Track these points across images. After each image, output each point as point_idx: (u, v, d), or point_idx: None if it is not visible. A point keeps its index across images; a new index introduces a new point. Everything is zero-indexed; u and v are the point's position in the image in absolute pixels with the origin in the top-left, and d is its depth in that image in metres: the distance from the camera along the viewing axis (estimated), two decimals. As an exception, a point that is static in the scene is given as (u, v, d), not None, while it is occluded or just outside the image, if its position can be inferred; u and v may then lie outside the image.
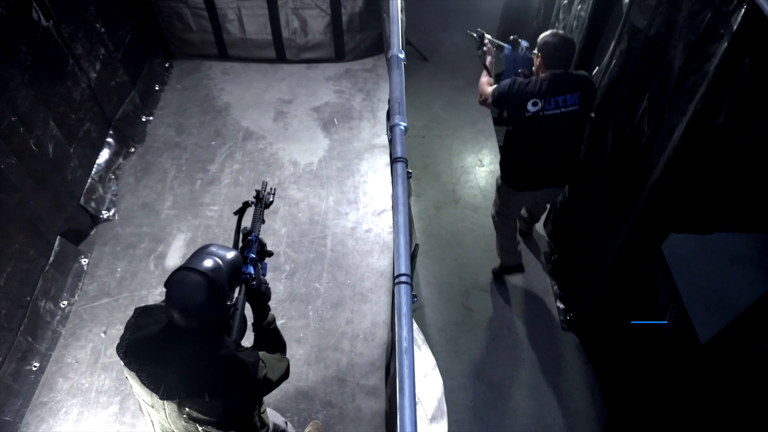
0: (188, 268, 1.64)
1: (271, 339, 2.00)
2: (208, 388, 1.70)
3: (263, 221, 2.18)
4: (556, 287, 3.93)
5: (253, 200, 2.20)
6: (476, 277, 4.02)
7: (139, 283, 3.40)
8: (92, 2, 3.82)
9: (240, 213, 2.16)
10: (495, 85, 3.11)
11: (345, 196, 3.95)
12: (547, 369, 3.54)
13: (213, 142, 4.29)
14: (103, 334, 3.16)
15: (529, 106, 2.93)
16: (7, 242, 2.92)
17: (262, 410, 2.03)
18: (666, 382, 2.65)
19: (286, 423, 2.46)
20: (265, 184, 2.26)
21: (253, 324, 1.99)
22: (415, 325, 1.37)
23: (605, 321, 3.35)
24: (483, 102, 3.23)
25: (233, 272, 1.75)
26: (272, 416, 2.29)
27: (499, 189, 3.52)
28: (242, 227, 2.07)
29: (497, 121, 4.97)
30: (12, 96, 3.02)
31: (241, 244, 2.03)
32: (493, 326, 3.75)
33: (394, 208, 1.35)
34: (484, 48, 3.34)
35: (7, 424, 2.80)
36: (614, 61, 3.03)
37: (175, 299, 1.61)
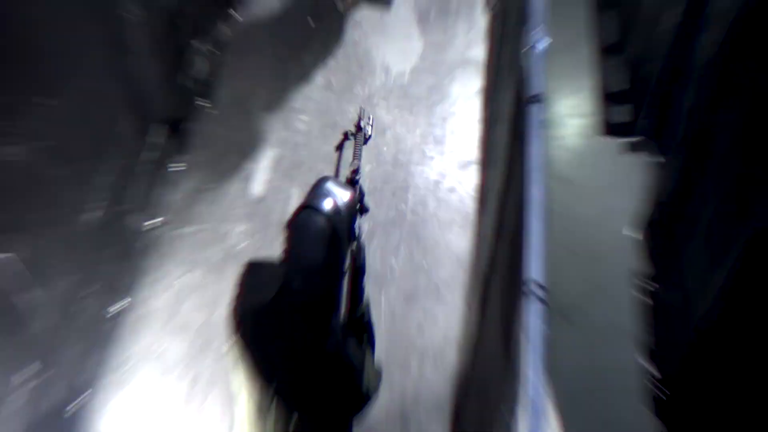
0: (312, 207, 1.33)
1: (368, 333, 1.62)
2: (314, 403, 1.39)
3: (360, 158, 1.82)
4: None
5: (353, 132, 1.85)
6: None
7: (223, 214, 3.22)
8: None
9: (340, 147, 1.85)
10: None
11: (432, 130, 3.61)
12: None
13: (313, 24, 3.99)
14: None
15: None
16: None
17: None
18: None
19: None
20: (362, 111, 1.90)
21: (348, 311, 1.57)
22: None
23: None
24: None
25: (350, 221, 1.43)
26: None
27: None
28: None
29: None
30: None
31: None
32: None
33: (527, 174, 0.92)
34: None
35: (78, 383, 2.63)
36: None
37: (297, 247, 1.33)
